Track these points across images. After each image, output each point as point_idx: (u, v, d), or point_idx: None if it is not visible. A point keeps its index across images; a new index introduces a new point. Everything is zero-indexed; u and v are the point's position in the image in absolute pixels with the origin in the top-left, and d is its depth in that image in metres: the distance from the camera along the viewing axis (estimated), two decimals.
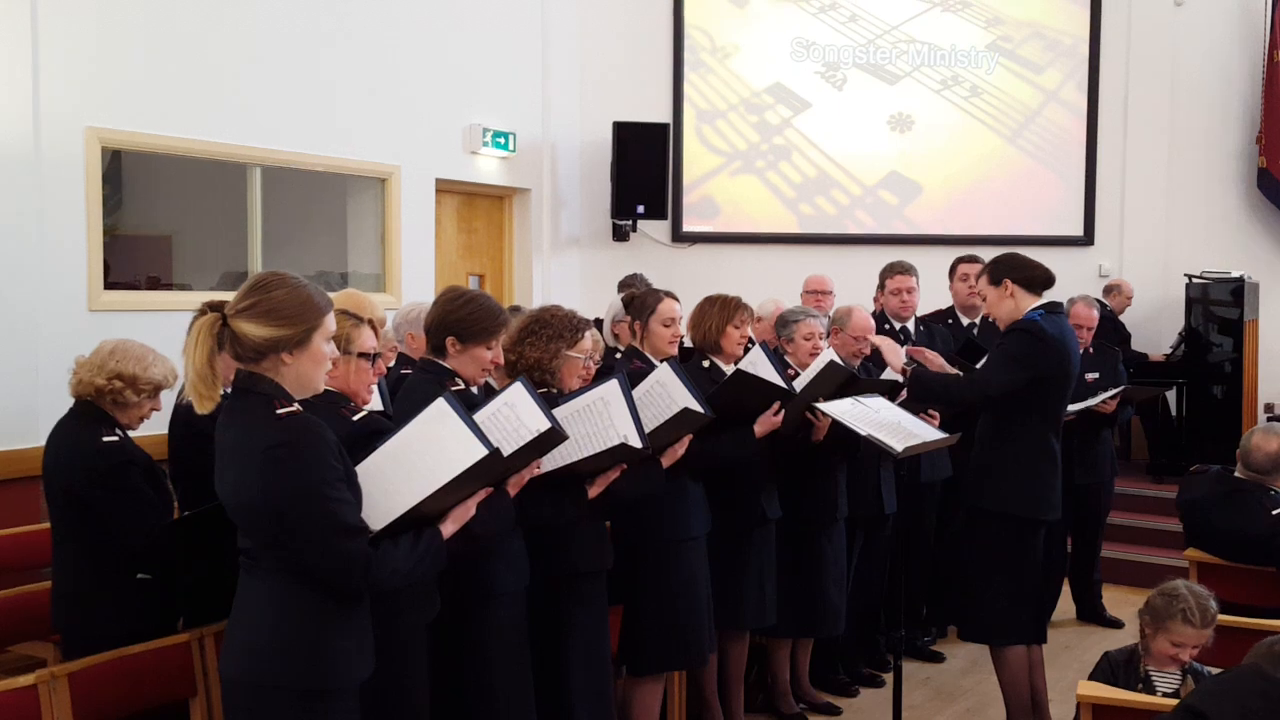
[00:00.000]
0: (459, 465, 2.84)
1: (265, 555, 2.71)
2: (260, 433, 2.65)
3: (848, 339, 5.46)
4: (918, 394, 5.01)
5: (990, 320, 6.31)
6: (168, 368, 3.95)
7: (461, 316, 3.63)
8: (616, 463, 3.76)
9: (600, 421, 3.69)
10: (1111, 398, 6.61)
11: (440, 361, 3.65)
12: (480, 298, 3.73)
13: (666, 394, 4.13)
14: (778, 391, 4.56)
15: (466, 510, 2.95)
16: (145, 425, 4.02)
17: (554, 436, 3.24)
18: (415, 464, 2.86)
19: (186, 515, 3.85)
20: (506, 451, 3.13)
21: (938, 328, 6.44)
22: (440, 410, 2.91)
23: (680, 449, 4.16)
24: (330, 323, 2.80)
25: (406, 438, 2.91)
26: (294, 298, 2.74)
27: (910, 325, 6.32)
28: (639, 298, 4.83)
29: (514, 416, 3.24)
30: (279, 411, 2.68)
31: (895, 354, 5.07)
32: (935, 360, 5.18)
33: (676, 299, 4.78)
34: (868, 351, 5.50)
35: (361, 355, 3.34)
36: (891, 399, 5.02)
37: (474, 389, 3.68)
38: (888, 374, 5.31)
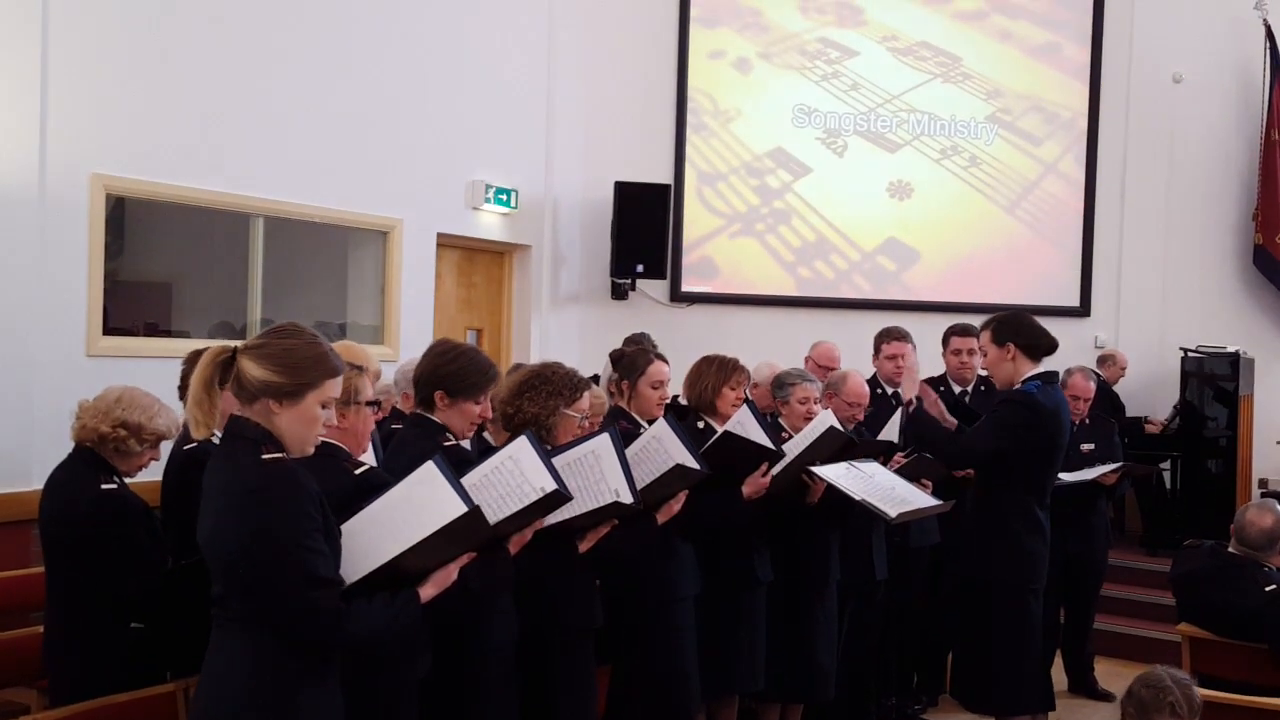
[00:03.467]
0: (437, 522, 2.80)
1: (236, 605, 2.64)
2: (241, 477, 2.63)
3: (841, 404, 5.45)
4: (912, 429, 5.03)
5: (982, 389, 6.34)
6: (172, 419, 3.94)
7: (452, 370, 3.62)
8: (608, 518, 3.75)
9: (591, 475, 3.67)
10: (1113, 472, 6.61)
11: (430, 416, 3.64)
12: (471, 352, 3.72)
13: (663, 449, 4.09)
14: (766, 453, 4.54)
15: (448, 574, 2.89)
16: (142, 471, 4.02)
17: (559, 498, 3.22)
18: (397, 523, 2.83)
19: (182, 565, 3.83)
20: (509, 511, 3.12)
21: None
22: (428, 472, 2.89)
23: (676, 505, 4.12)
24: (333, 388, 2.76)
25: (392, 498, 2.89)
26: (303, 351, 2.72)
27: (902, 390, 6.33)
28: (628, 357, 4.79)
29: (517, 471, 3.21)
30: (264, 457, 2.65)
31: (911, 382, 5.14)
32: (938, 405, 5.23)
33: (666, 361, 4.76)
34: (860, 417, 5.50)
35: (369, 404, 3.36)
36: (885, 462, 5.02)
37: (464, 443, 3.67)
38: (883, 436, 5.33)
